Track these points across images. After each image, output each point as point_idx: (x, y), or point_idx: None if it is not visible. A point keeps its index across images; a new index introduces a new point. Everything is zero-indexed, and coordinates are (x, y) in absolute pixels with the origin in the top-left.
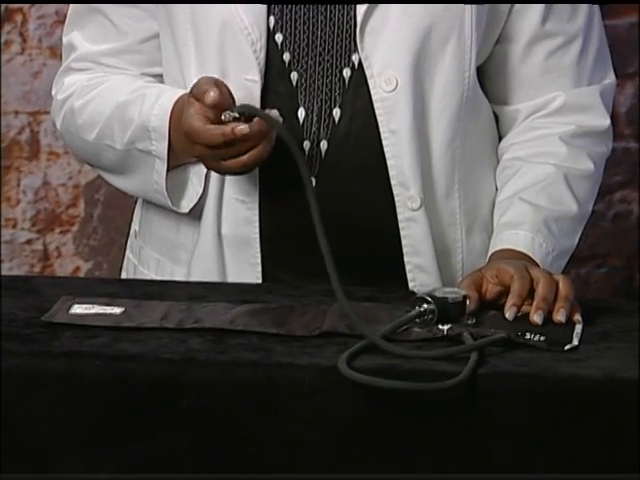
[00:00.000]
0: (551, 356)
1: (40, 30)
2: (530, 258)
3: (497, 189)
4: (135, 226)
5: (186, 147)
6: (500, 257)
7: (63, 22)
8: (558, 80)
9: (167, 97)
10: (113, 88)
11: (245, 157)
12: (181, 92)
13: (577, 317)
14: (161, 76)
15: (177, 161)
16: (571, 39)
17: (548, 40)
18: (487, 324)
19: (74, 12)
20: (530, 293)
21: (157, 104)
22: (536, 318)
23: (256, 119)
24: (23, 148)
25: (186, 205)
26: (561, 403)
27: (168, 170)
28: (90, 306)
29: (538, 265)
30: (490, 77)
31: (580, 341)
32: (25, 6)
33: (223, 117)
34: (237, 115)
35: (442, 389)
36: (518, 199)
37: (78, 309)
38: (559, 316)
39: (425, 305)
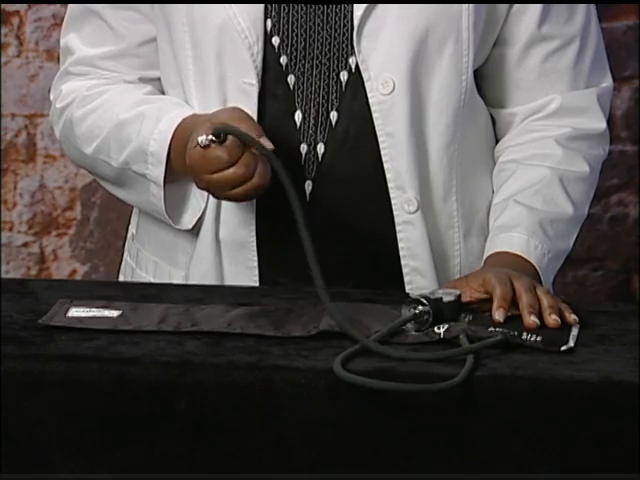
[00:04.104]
0: (548, 359)
1: (37, 33)
2: (526, 260)
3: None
4: (132, 229)
5: (190, 175)
6: (496, 260)
7: (60, 25)
8: (555, 83)
9: (167, 121)
10: (113, 101)
11: (242, 188)
12: (182, 114)
13: (573, 317)
14: (159, 79)
15: (176, 181)
16: (568, 42)
17: (545, 43)
18: (484, 323)
19: (71, 15)
20: (514, 302)
21: (157, 128)
22: (532, 319)
23: (230, 138)
24: (20, 151)
25: (188, 220)
26: (558, 406)
27: (165, 192)
28: (87, 309)
29: (533, 267)
30: (487, 80)
31: (576, 343)
32: (22, 9)
33: (200, 142)
34: (213, 138)
35: (437, 391)
36: (513, 201)
37: (75, 312)
38: (552, 319)
39: (420, 307)
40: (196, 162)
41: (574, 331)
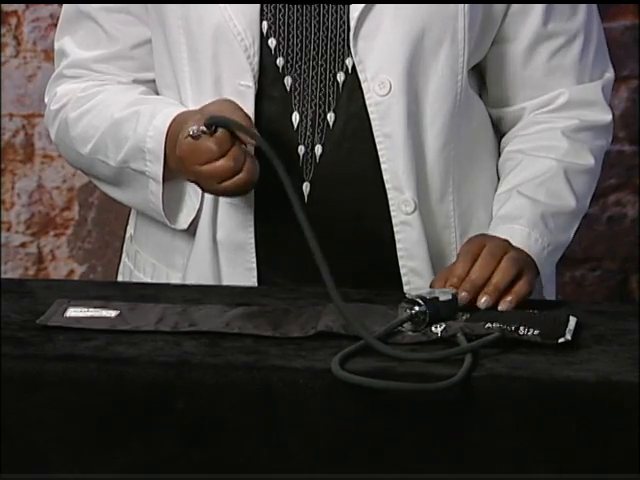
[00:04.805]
0: (546, 359)
1: (35, 33)
2: (525, 253)
3: (495, 190)
4: (131, 230)
5: (181, 168)
6: None
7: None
8: (562, 79)
9: (162, 117)
10: (108, 101)
11: (233, 180)
12: (176, 110)
13: (503, 307)
14: (153, 81)
15: (173, 178)
16: (573, 37)
17: (550, 40)
18: (481, 319)
19: (65, 18)
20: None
21: (152, 125)
22: (461, 298)
23: (220, 130)
24: (17, 151)
25: (184, 220)
26: (556, 406)
27: (163, 189)
28: (85, 309)
29: (532, 260)
30: (491, 79)
31: (573, 337)
32: (20, 9)
33: (191, 132)
34: (205, 129)
35: (435, 390)
36: (517, 192)
37: (73, 312)
38: (479, 302)
39: (416, 307)
40: (186, 153)
41: (571, 325)
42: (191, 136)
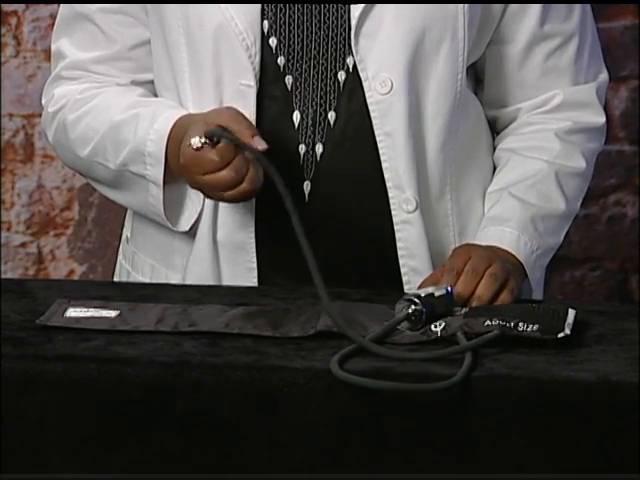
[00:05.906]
0: (546, 359)
1: (35, 33)
2: (514, 256)
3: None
4: (127, 232)
5: (184, 176)
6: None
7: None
8: (557, 80)
9: (163, 120)
10: (106, 103)
11: (238, 189)
12: (178, 113)
13: None
14: (152, 82)
15: (174, 181)
16: (568, 38)
17: (547, 41)
18: (480, 315)
19: (62, 20)
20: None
21: (153, 128)
22: None
23: (222, 141)
24: (17, 151)
25: (185, 223)
26: (556, 406)
27: (164, 192)
28: (85, 309)
29: (520, 263)
30: (489, 81)
31: (573, 334)
32: (20, 9)
33: (192, 143)
34: (206, 140)
35: (434, 390)
36: (507, 194)
37: (73, 312)
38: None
39: (413, 306)
40: (189, 162)
41: (570, 319)
42: (193, 147)
